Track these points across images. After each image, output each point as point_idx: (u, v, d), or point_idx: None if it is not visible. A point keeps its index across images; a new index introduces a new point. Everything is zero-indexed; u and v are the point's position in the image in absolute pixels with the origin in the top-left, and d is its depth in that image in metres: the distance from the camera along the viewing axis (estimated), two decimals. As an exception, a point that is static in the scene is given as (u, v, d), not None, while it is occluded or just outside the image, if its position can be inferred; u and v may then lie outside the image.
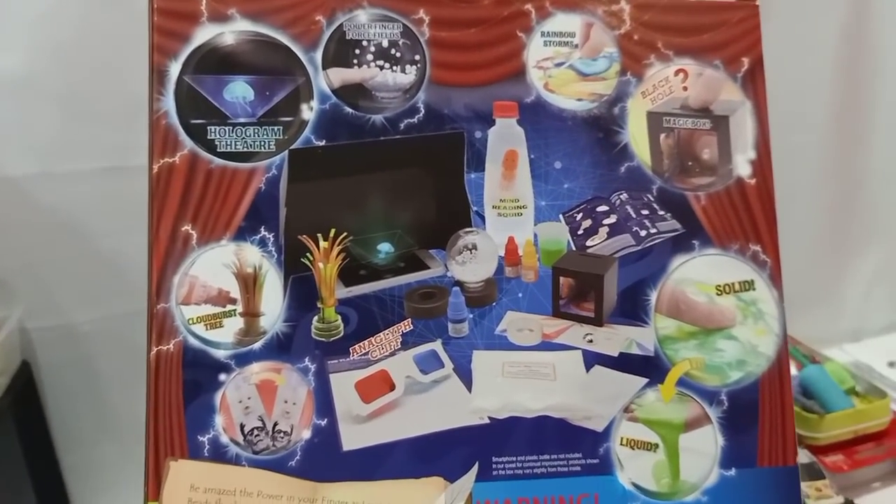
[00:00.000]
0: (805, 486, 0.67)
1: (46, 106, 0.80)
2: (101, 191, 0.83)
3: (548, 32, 0.62)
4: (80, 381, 0.88)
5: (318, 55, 0.59)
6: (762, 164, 0.63)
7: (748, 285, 0.61)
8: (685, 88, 0.63)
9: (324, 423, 0.57)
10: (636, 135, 0.62)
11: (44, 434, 0.88)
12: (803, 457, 0.72)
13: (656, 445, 0.59)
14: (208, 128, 0.58)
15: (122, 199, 0.79)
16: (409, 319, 0.59)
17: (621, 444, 0.59)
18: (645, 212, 0.61)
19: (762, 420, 0.60)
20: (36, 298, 0.84)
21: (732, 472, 0.59)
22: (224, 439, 0.56)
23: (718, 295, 0.61)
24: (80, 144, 0.82)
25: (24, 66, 0.78)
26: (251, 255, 0.58)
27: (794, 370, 0.93)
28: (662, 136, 0.62)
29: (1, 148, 0.80)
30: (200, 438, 0.56)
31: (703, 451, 0.60)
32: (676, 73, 0.63)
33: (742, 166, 0.63)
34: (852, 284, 1.20)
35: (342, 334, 0.58)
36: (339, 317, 0.59)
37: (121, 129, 0.79)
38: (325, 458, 0.56)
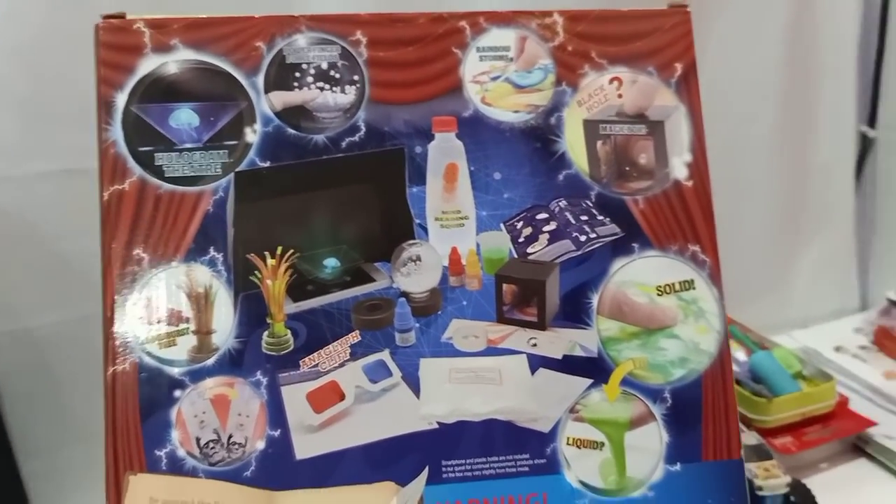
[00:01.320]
0: (753, 467, 0.70)
1: (5, 108, 0.82)
2: (58, 193, 0.84)
3: (483, 47, 0.65)
4: (39, 386, 0.89)
5: (260, 80, 0.62)
6: (698, 166, 0.66)
7: (688, 285, 0.64)
8: (620, 96, 0.66)
9: (277, 433, 0.60)
10: (573, 143, 0.65)
11: (4, 441, 0.88)
12: (752, 439, 0.75)
13: (602, 444, 0.62)
14: (156, 154, 0.61)
15: (80, 202, 0.78)
16: (357, 331, 0.62)
17: (568, 444, 0.62)
18: (584, 217, 0.64)
19: (706, 415, 0.63)
20: None
21: (678, 466, 0.62)
22: (181, 453, 0.59)
23: (659, 295, 0.64)
24: (37, 146, 0.83)
25: None
26: (201, 275, 0.61)
27: (743, 356, 0.96)
28: (599, 142, 0.65)
29: None
30: (158, 452, 0.59)
31: (648, 447, 0.62)
32: (611, 81, 0.66)
33: (678, 169, 0.65)
34: (800, 274, 1.24)
35: (292, 348, 0.61)
36: (289, 331, 0.62)
37: (78, 131, 0.78)
38: (279, 468, 0.59)
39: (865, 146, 1.26)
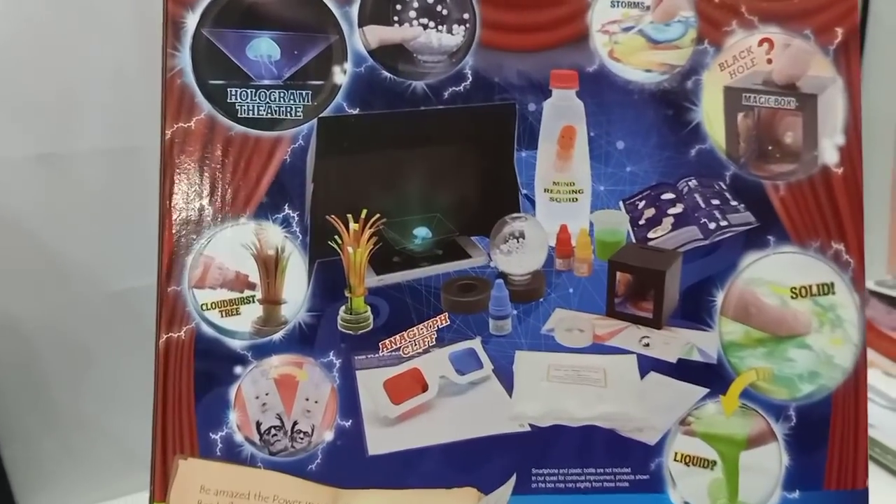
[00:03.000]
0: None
1: None
2: (38, 178, 0.82)
3: (616, -9, 0.57)
4: (21, 375, 0.88)
5: (355, 10, 0.55)
6: (851, 152, 0.58)
7: (827, 288, 0.58)
8: (769, 61, 0.58)
9: (348, 424, 0.55)
10: (710, 113, 0.58)
11: None
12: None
13: (714, 462, 0.57)
14: (228, 90, 0.54)
15: (62, 187, 0.81)
16: (446, 314, 0.56)
17: (675, 460, 0.57)
18: (715, 201, 0.58)
19: (833, 439, 0.57)
20: None
21: (796, 494, 0.57)
22: (238, 438, 0.54)
23: (793, 298, 0.58)
24: (15, 130, 0.81)
25: None
26: (273, 235, 0.55)
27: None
28: (740, 115, 0.58)
29: None
30: (213, 436, 0.54)
31: (765, 470, 0.57)
32: (760, 42, 0.58)
33: (829, 153, 0.58)
34: None
35: (371, 327, 0.56)
36: (369, 308, 0.56)
37: (57, 114, 0.80)
38: (348, 463, 0.54)
39: None
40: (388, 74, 0.56)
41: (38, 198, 0.83)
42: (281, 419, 0.54)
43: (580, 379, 0.57)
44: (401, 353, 0.56)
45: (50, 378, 0.90)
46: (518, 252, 0.58)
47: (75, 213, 0.83)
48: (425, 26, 0.56)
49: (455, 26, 0.56)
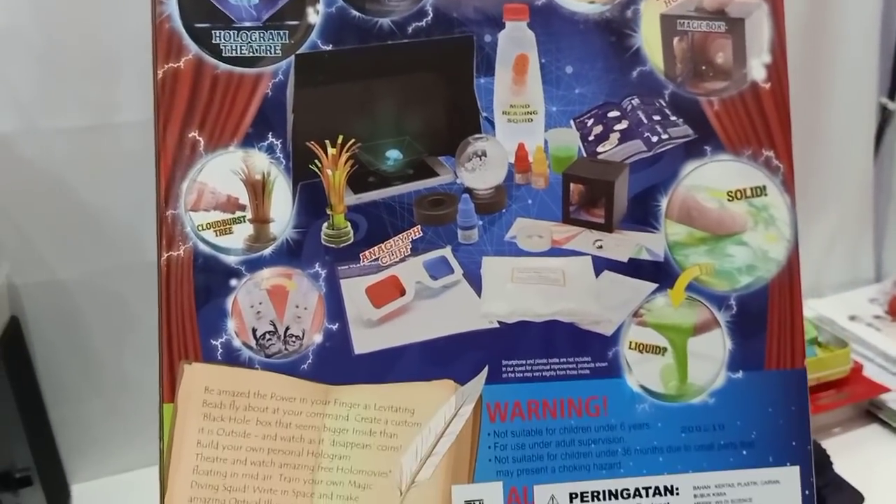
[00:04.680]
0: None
1: (26, 62, 0.83)
2: (84, 148, 0.87)
3: (558, -69, 0.64)
4: (68, 337, 0.93)
5: None
6: (777, 68, 0.65)
7: (760, 191, 0.65)
8: (700, -11, 0.65)
9: (335, 327, 0.61)
10: (649, 38, 0.65)
11: (34, 389, 0.92)
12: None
13: (665, 349, 0.63)
14: (213, 32, 0.60)
15: (105, 156, 0.86)
16: (419, 226, 0.63)
17: (630, 348, 0.63)
18: (657, 117, 0.64)
19: (771, 324, 0.64)
20: (22, 254, 0.88)
21: (740, 374, 0.63)
22: (237, 343, 0.60)
23: (730, 201, 0.64)
24: (61, 101, 0.85)
25: (4, 21, 0.81)
26: (259, 161, 0.61)
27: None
28: (676, 39, 0.65)
29: None
30: (213, 342, 0.60)
31: (710, 354, 0.64)
32: (691, -27, 0.65)
33: (757, 70, 0.65)
34: (816, 243, 1.26)
35: (352, 241, 0.62)
36: (349, 223, 0.62)
37: (102, 86, 0.85)
38: (336, 362, 0.61)
39: (885, 118, 1.27)
40: (357, 13, 0.62)
41: (85, 167, 0.87)
42: (274, 325, 0.61)
43: (541, 280, 0.63)
44: (379, 262, 0.62)
45: (96, 341, 0.94)
46: (481, 169, 0.64)
47: (120, 180, 0.87)
48: (388, -32, 0.62)
49: (415, -33, 0.62)
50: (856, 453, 0.93)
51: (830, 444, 0.88)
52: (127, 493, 0.95)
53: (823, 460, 0.85)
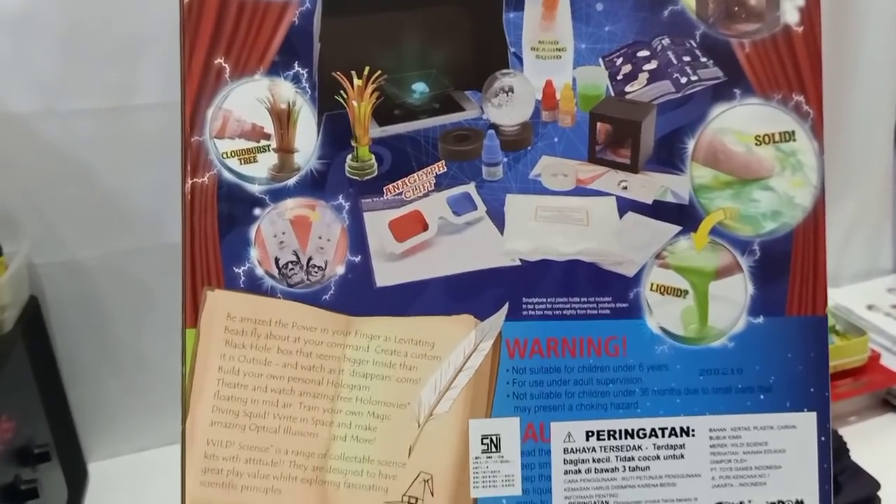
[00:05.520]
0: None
1: (48, 44, 0.85)
2: (104, 129, 0.89)
3: None
4: (85, 317, 0.95)
5: None
6: (810, 12, 0.65)
7: (789, 136, 0.65)
8: (735, -72, 0.64)
9: (357, 259, 0.62)
10: (682, -24, 0.64)
11: (53, 367, 0.95)
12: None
13: (686, 292, 0.64)
14: (241, -43, 0.60)
15: (125, 138, 0.88)
16: (443, 161, 0.63)
17: (651, 290, 0.64)
18: (686, 58, 0.64)
19: (794, 270, 0.65)
20: (42, 234, 0.91)
21: (760, 319, 0.64)
22: (259, 272, 0.61)
23: (757, 145, 0.65)
24: (83, 83, 0.87)
25: (27, 5, 0.82)
26: (285, 90, 0.61)
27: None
28: (709, -22, 0.64)
29: (4, 84, 0.85)
30: (236, 270, 0.61)
31: (732, 298, 0.64)
32: (728, -89, 0.64)
33: (790, 13, 0.65)
34: (833, 233, 1.26)
35: (376, 174, 0.63)
36: (373, 156, 0.63)
37: (121, 68, 0.86)
38: (358, 294, 0.62)
39: None
40: (387, -58, 0.62)
41: (106, 147, 0.89)
42: (297, 255, 0.62)
43: (565, 218, 0.64)
44: (403, 196, 0.63)
45: (114, 322, 0.97)
46: (508, 105, 0.64)
47: (139, 162, 0.89)
48: None
49: None
50: (872, 441, 0.95)
51: (847, 433, 0.89)
52: (144, 472, 0.97)
53: (840, 448, 0.86)
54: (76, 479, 0.96)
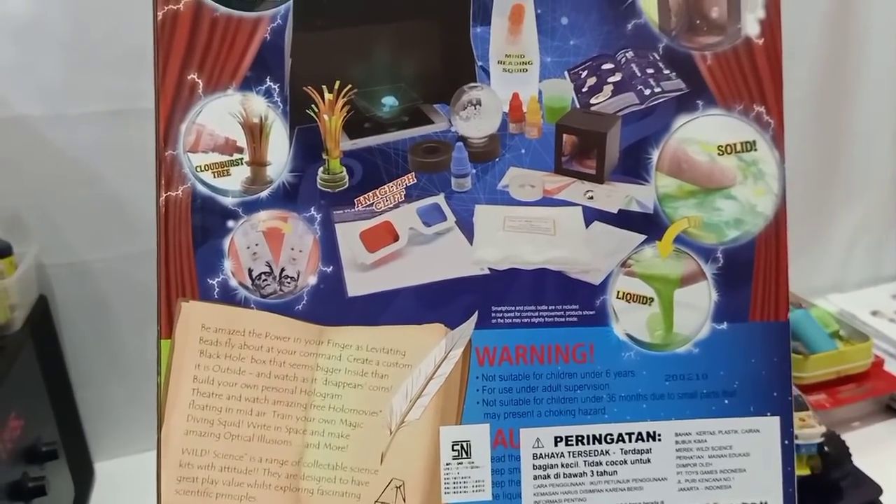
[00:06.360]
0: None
1: (56, 48, 0.87)
2: (111, 134, 0.91)
3: None
4: (93, 318, 0.97)
5: None
6: (771, 24, 0.67)
7: (750, 146, 0.67)
8: (697, -57, 0.67)
9: (329, 270, 0.64)
10: (645, -9, 0.66)
11: (61, 367, 0.97)
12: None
13: (652, 299, 0.66)
14: (213, -26, 0.62)
15: (134, 141, 0.88)
16: (413, 173, 0.65)
17: (617, 297, 0.66)
18: (650, 70, 0.66)
19: (756, 277, 0.67)
20: (50, 236, 0.93)
21: (724, 325, 0.66)
22: (233, 283, 0.63)
23: (720, 155, 0.67)
24: (90, 88, 0.89)
25: (33, 9, 0.85)
26: (257, 104, 0.63)
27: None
28: (671, -8, 0.66)
29: (13, 89, 0.87)
30: (210, 281, 0.63)
31: (696, 305, 0.66)
32: (688, -73, 0.66)
33: (751, 25, 0.67)
34: (838, 239, 1.29)
35: (347, 185, 0.64)
36: (344, 168, 0.64)
37: (127, 73, 0.88)
38: (330, 304, 0.63)
39: None
40: (356, -41, 0.64)
41: (112, 151, 0.91)
42: (270, 266, 0.63)
43: (532, 228, 0.66)
44: (374, 207, 0.65)
45: (121, 326, 0.99)
46: (476, 117, 0.66)
47: (145, 166, 0.89)
48: (387, -85, 0.64)
49: (414, -85, 0.64)
50: (875, 447, 0.96)
51: (850, 438, 0.90)
52: (150, 472, 0.98)
53: (843, 452, 0.87)
54: (83, 477, 0.97)
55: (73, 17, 0.86)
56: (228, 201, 0.63)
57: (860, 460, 0.89)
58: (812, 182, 1.27)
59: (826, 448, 0.83)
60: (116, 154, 0.92)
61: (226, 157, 0.63)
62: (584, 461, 0.64)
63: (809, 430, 0.81)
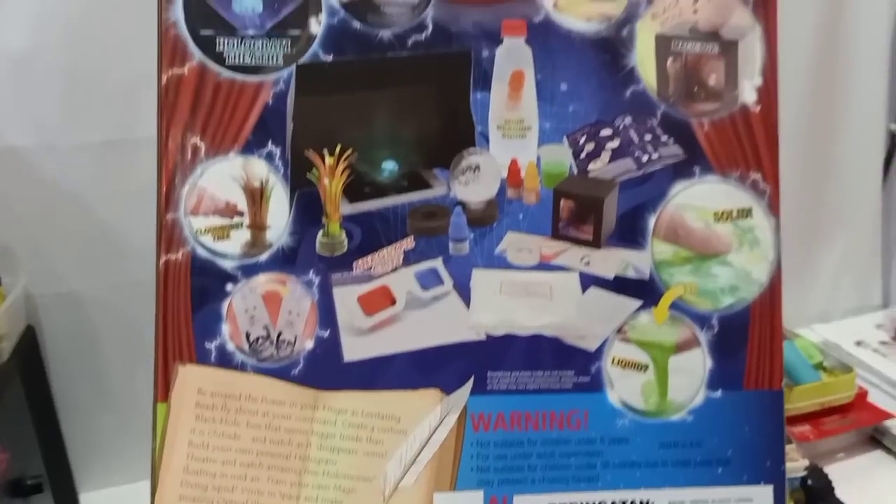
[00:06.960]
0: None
1: (50, 80, 0.87)
2: (101, 165, 0.91)
3: (560, -50, 0.66)
4: (81, 348, 0.97)
5: None
6: (768, 91, 0.68)
7: (746, 213, 0.68)
8: (695, 11, 0.68)
9: (326, 334, 0.64)
10: (643, 58, 0.67)
11: (48, 398, 0.96)
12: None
13: (647, 366, 0.67)
14: (217, 39, 0.63)
15: (124, 173, 0.90)
16: (412, 237, 0.66)
17: (612, 364, 0.66)
18: (648, 137, 0.67)
19: (751, 344, 0.67)
20: (39, 266, 0.93)
21: (719, 393, 0.67)
22: (230, 347, 0.63)
23: (716, 221, 0.68)
24: (82, 120, 0.89)
25: (29, 41, 0.85)
26: (258, 168, 0.64)
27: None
28: (670, 60, 0.68)
29: (6, 120, 0.87)
30: (208, 345, 0.63)
31: (691, 372, 0.67)
32: (688, -5, 0.68)
33: (748, 93, 0.68)
34: (823, 269, 1.30)
35: (346, 249, 0.65)
36: (344, 232, 0.65)
37: (122, 103, 0.88)
38: (327, 368, 0.64)
39: (894, 144, 1.31)
40: (358, 24, 0.65)
41: (104, 182, 0.91)
42: (267, 330, 0.64)
43: (529, 293, 0.67)
44: (372, 271, 0.65)
45: (109, 357, 0.98)
46: (474, 182, 0.67)
47: (137, 196, 0.90)
48: (390, -18, 0.65)
49: (416, -18, 0.65)
50: (859, 479, 0.96)
51: (834, 470, 0.90)
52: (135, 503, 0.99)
53: (826, 485, 0.87)
54: (67, 509, 0.97)
55: (66, 49, 0.87)
56: (228, 264, 0.63)
57: (844, 492, 0.89)
58: (797, 212, 1.27)
59: (809, 481, 0.83)
60: (105, 184, 0.92)
61: (226, 221, 0.63)
62: (578, 528, 0.65)
63: (792, 464, 0.81)
